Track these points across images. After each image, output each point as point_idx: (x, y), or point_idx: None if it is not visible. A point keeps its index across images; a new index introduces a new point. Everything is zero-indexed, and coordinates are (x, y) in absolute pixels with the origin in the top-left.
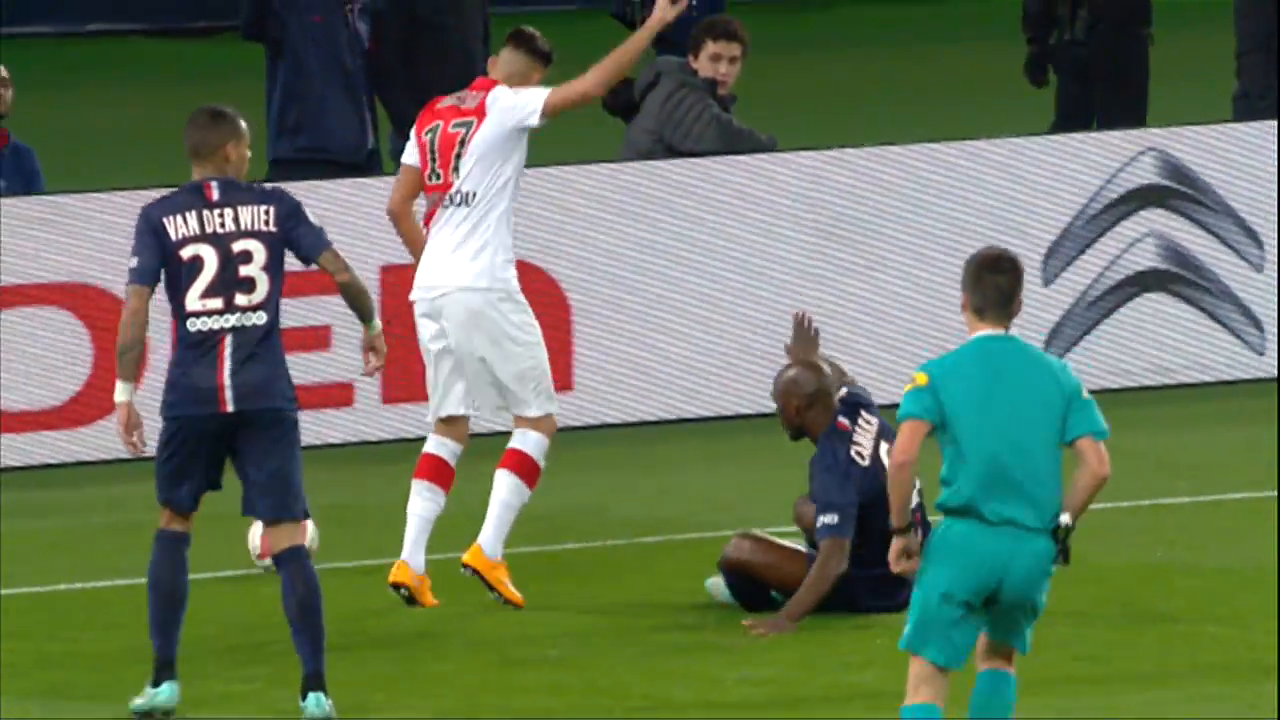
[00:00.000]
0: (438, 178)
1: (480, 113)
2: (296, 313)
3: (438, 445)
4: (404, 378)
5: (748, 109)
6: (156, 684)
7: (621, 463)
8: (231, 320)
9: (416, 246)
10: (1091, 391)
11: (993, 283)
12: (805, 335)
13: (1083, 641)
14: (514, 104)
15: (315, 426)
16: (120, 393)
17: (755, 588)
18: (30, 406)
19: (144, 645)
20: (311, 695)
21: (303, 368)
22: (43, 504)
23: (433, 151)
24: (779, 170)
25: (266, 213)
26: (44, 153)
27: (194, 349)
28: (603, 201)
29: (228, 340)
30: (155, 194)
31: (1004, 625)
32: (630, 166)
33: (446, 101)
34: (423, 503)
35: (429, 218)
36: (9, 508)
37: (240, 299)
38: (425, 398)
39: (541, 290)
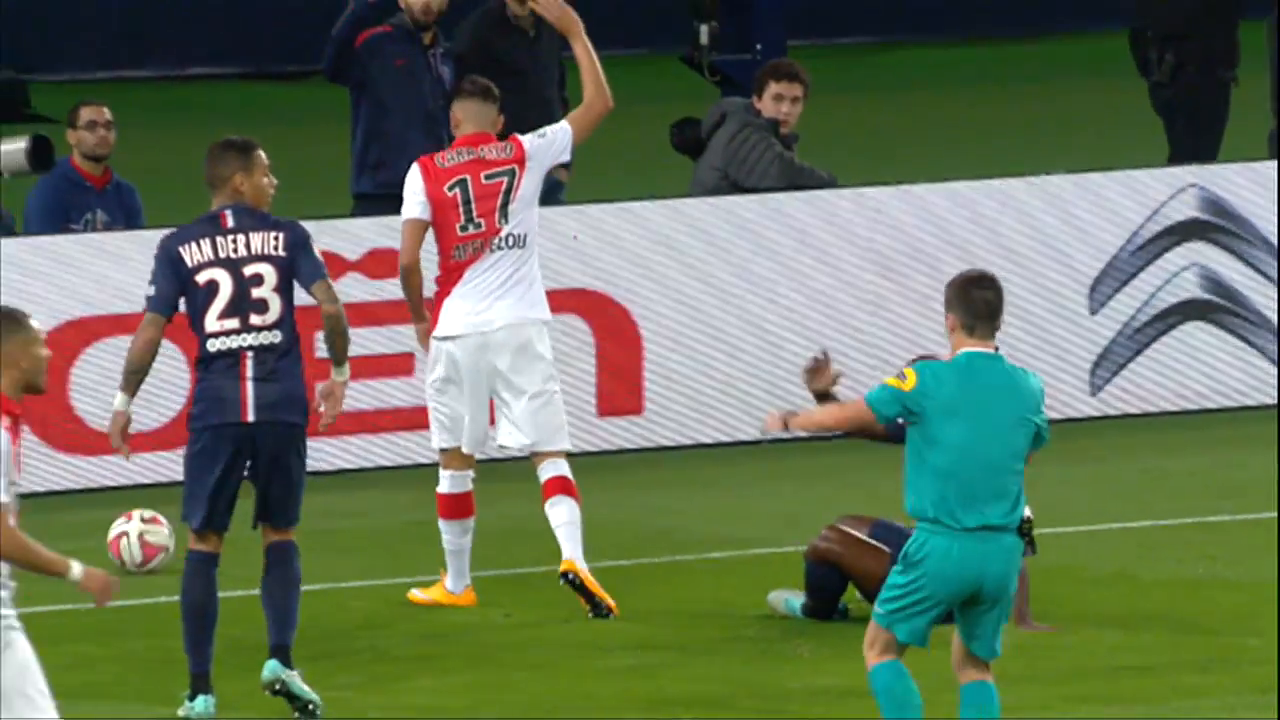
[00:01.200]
0: (477, 226)
1: (520, 162)
2: (378, 341)
3: (465, 480)
4: None
5: (809, 147)
6: (192, 697)
7: (688, 482)
8: (249, 339)
9: (420, 297)
10: (1134, 415)
11: (981, 298)
12: (822, 374)
13: (1128, 651)
14: (550, 146)
15: (396, 448)
16: (119, 403)
17: (835, 581)
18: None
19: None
20: (272, 661)
21: (384, 393)
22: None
23: (468, 203)
24: (839, 205)
25: (276, 239)
26: (144, 190)
27: (216, 366)
28: (672, 235)
29: (249, 357)
30: None
31: (979, 626)
32: (698, 202)
33: (454, 160)
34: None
35: (457, 266)
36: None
37: (255, 319)
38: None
39: (613, 318)
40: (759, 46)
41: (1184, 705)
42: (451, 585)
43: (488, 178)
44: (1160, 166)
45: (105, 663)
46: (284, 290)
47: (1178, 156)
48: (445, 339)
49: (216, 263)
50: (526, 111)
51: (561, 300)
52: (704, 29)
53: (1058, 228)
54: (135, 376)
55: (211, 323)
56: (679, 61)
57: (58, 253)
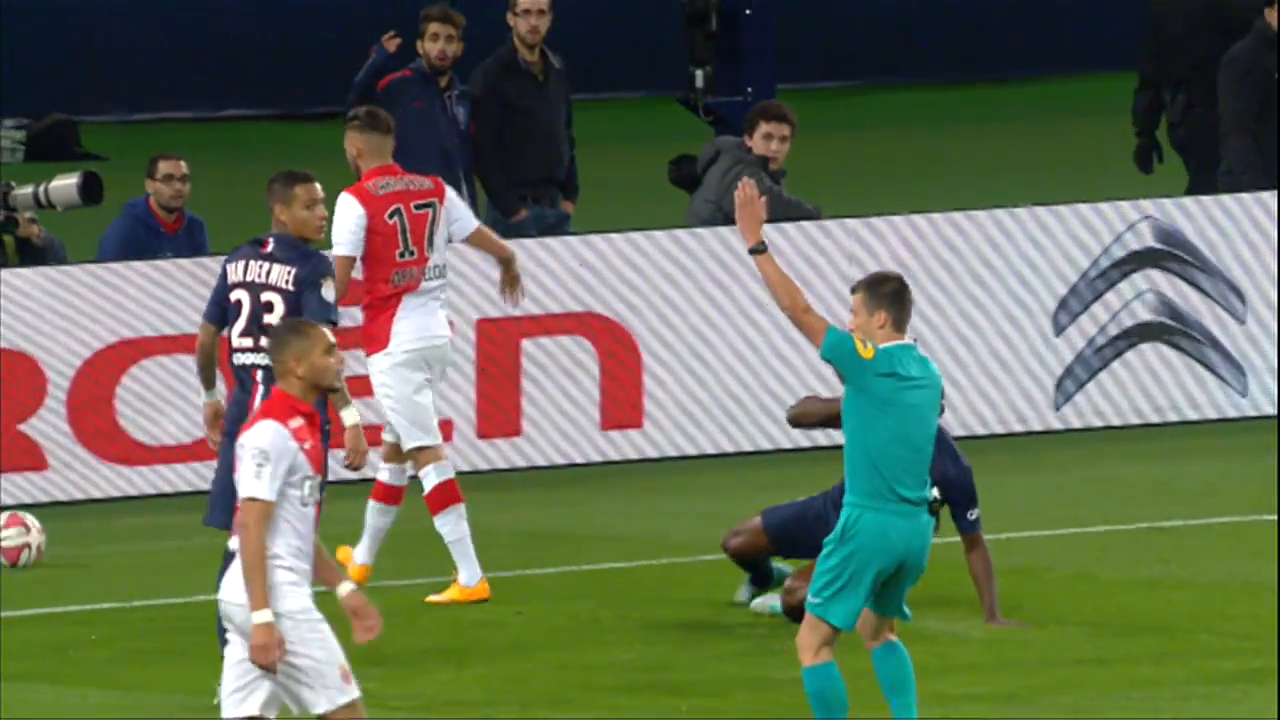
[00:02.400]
0: (412, 254)
1: (440, 197)
2: None
3: (449, 469)
4: (497, 414)
5: (795, 182)
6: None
7: (684, 490)
8: (260, 359)
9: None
10: (1095, 428)
11: (906, 299)
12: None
13: (1088, 645)
14: (457, 212)
15: None
16: (203, 396)
17: (762, 563)
18: (184, 440)
19: None
20: None
21: None
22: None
23: (404, 232)
24: (823, 236)
25: (289, 273)
26: None
27: (238, 379)
28: (670, 262)
29: (259, 375)
30: None
31: (893, 597)
32: (694, 232)
33: (386, 188)
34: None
35: (395, 291)
36: (151, 529)
37: (265, 342)
38: (515, 433)
39: (615, 339)
40: (750, 89)
41: (1140, 695)
42: (465, 579)
43: (417, 207)
44: (1119, 199)
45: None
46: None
47: (1196, 188)
48: (403, 348)
49: (244, 284)
50: (537, 149)
51: (568, 323)
52: (699, 73)
53: (1025, 256)
54: (201, 374)
55: (235, 339)
56: (676, 103)
57: (103, 278)
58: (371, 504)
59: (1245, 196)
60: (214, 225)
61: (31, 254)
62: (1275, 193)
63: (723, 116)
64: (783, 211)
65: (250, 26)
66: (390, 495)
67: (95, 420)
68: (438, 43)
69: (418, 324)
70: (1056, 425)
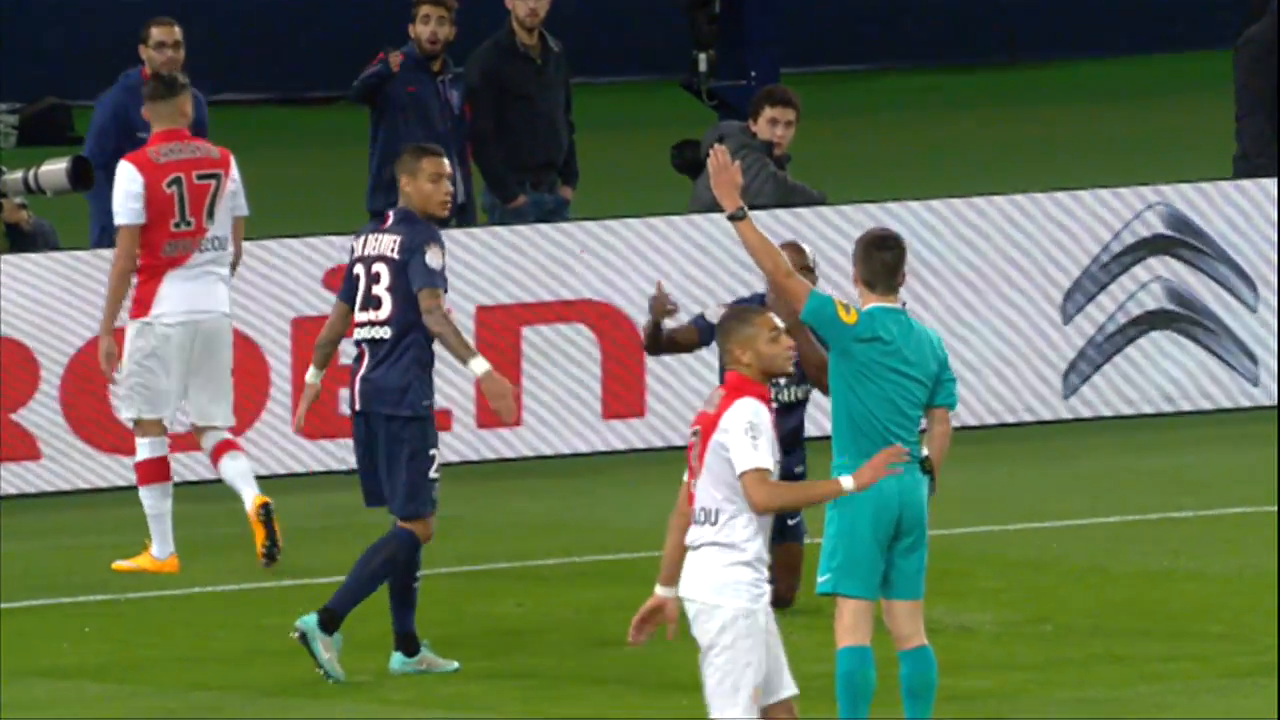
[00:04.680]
0: (189, 225)
1: (225, 169)
2: None
3: (164, 445)
4: None
5: (801, 167)
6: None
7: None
8: (370, 333)
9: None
10: (1104, 417)
11: (880, 259)
12: (661, 305)
13: (1099, 638)
14: (238, 189)
15: None
16: (308, 375)
17: None
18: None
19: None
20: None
21: None
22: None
23: (182, 202)
24: (828, 222)
25: (395, 241)
26: None
27: (356, 355)
28: (674, 248)
29: (367, 350)
30: (279, 244)
31: (905, 563)
32: (698, 218)
33: (168, 156)
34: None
35: (168, 260)
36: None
37: (373, 314)
38: (515, 422)
39: (617, 327)
40: (753, 74)
41: (1150, 689)
42: (157, 552)
43: (200, 178)
44: (1128, 186)
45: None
46: (396, 290)
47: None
48: (163, 320)
49: (361, 259)
50: (536, 134)
51: (569, 310)
52: (703, 57)
53: (1033, 243)
54: (316, 350)
55: (358, 314)
56: (679, 88)
57: (96, 264)
58: (145, 490)
59: (1257, 183)
60: None
61: (20, 239)
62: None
63: (726, 101)
64: (788, 197)
65: (248, 10)
66: (156, 473)
67: (89, 409)
68: (429, 25)
69: (185, 296)
70: (1065, 414)
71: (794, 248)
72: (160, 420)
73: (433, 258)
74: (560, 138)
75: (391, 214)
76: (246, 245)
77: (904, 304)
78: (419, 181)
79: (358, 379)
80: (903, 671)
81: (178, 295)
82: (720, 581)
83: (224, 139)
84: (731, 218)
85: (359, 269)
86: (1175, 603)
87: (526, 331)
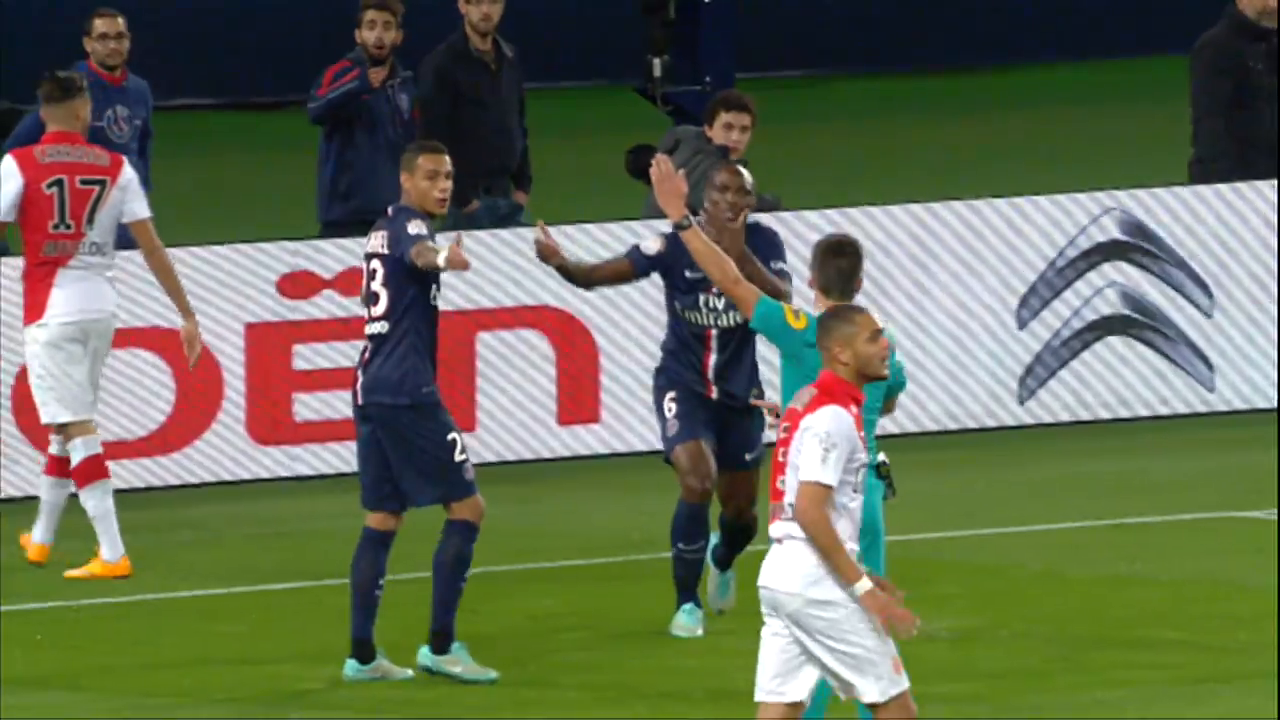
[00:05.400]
0: (68, 227)
1: (114, 176)
2: (351, 354)
3: (96, 444)
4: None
5: (756, 173)
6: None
7: (643, 486)
8: (372, 328)
9: None
10: (1060, 423)
11: (835, 265)
12: (543, 249)
13: (1056, 644)
14: (128, 197)
15: None
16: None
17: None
18: (113, 438)
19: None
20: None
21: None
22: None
23: (62, 204)
24: (785, 226)
25: (383, 237)
26: None
27: (361, 352)
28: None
29: (370, 346)
30: (231, 250)
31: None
32: (653, 224)
33: (53, 157)
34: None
35: (49, 260)
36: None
37: (373, 310)
38: (469, 428)
39: (572, 333)
40: (708, 79)
41: (1108, 695)
42: (108, 555)
43: (83, 182)
44: (1083, 191)
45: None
46: (391, 284)
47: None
48: (58, 320)
49: (366, 256)
50: (489, 138)
51: (523, 316)
52: (657, 62)
53: (988, 248)
54: None
55: (364, 311)
56: (634, 93)
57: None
58: (45, 479)
59: (1213, 187)
60: (165, 215)
61: None
62: (1252, 183)
63: (681, 106)
64: None
65: (201, 15)
66: (96, 472)
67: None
68: (375, 30)
69: (76, 296)
70: (1022, 420)
71: (731, 171)
72: (87, 421)
73: (414, 227)
74: (514, 143)
75: (391, 210)
76: (197, 251)
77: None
78: (416, 179)
79: (359, 374)
80: None
81: (70, 296)
82: (812, 574)
83: (175, 144)
84: (677, 227)
85: (364, 265)
86: (1132, 608)
87: (481, 337)
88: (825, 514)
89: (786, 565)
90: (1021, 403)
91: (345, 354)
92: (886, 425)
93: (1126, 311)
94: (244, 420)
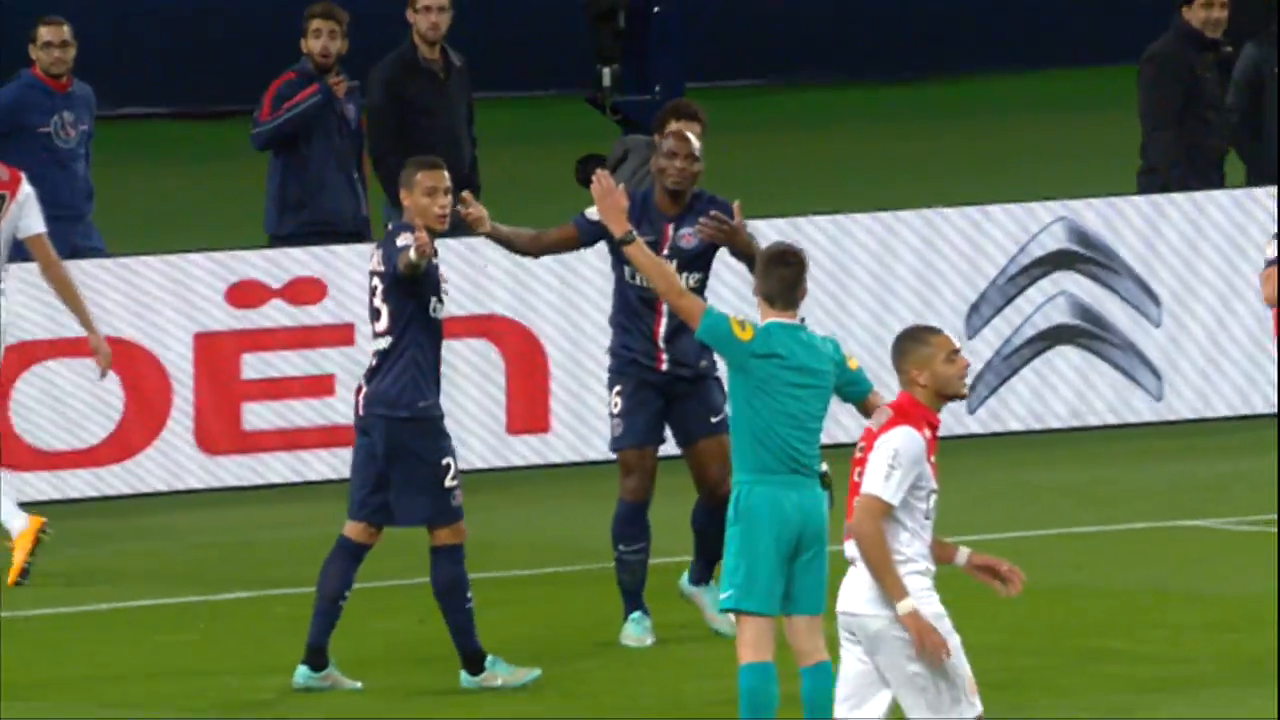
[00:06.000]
0: None
1: (12, 192)
2: (300, 363)
3: None
4: None
5: (706, 182)
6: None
7: (592, 495)
8: (376, 344)
9: None
10: (1009, 432)
11: (779, 275)
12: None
13: (1003, 654)
14: (33, 209)
15: (318, 464)
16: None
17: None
18: (65, 447)
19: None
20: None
21: (305, 412)
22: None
23: None
24: None
25: (380, 254)
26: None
27: (368, 368)
28: (578, 263)
29: (374, 360)
30: (180, 259)
31: (806, 577)
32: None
33: None
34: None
35: None
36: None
37: (375, 326)
38: None
39: (521, 342)
40: (658, 88)
41: (1054, 704)
42: (18, 525)
43: None
44: (1033, 201)
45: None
46: (389, 300)
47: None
48: None
49: (370, 273)
50: (438, 148)
51: (474, 325)
52: (606, 71)
53: (938, 257)
54: None
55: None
56: (583, 102)
57: None
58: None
59: (1167, 197)
60: (113, 224)
61: None
62: (1202, 193)
63: (631, 115)
64: None
65: (148, 24)
66: None
67: None
68: (320, 39)
69: None
70: (971, 429)
71: (680, 136)
72: None
73: (402, 239)
74: (463, 152)
75: (391, 227)
76: (146, 260)
77: (803, 319)
78: (415, 195)
79: (363, 386)
80: (804, 687)
81: None
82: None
83: (123, 153)
84: (620, 242)
85: (368, 284)
86: (1079, 619)
87: None
88: (879, 528)
89: (862, 586)
90: (971, 412)
91: (294, 363)
92: (835, 434)
93: (1076, 321)
94: (193, 430)
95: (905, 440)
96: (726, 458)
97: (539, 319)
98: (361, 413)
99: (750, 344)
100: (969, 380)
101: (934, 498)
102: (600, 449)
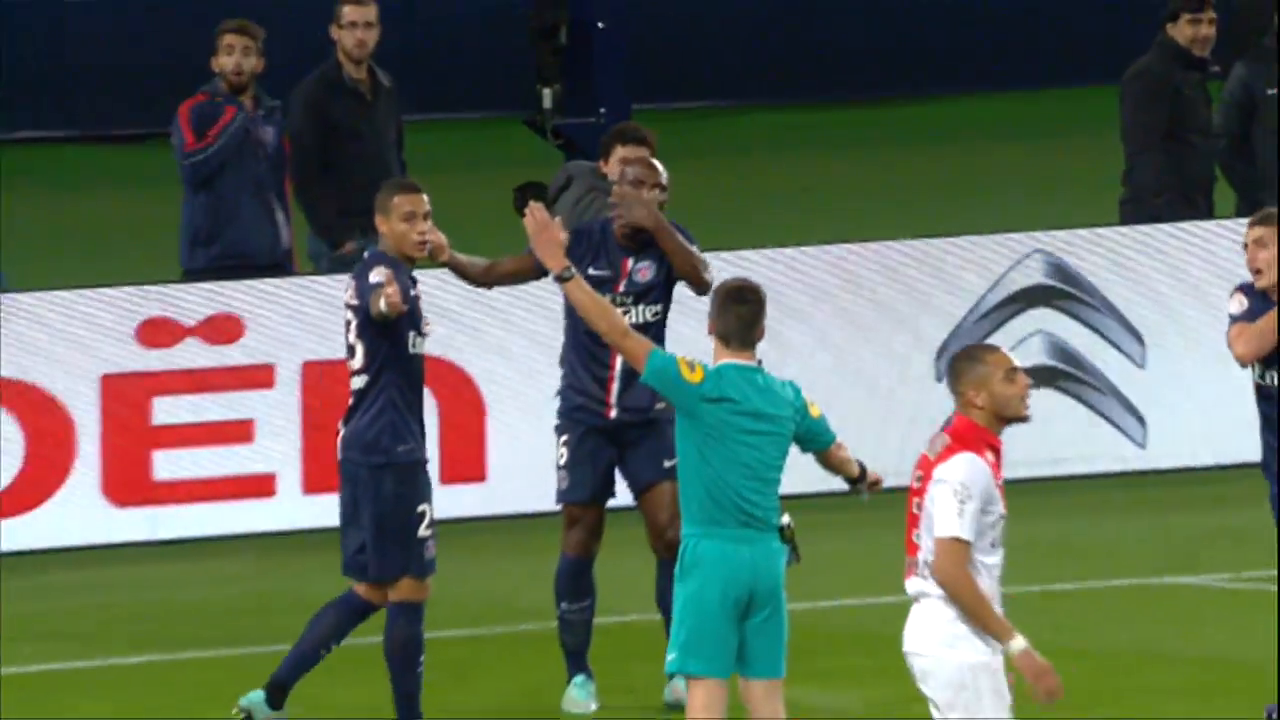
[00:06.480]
0: None
1: None
2: (216, 407)
3: None
4: (326, 466)
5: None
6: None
7: (532, 549)
8: (353, 383)
9: None
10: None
11: (735, 313)
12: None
13: None
14: None
15: (236, 516)
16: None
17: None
18: None
19: None
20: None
21: (223, 460)
22: None
23: None
24: None
25: (353, 286)
26: None
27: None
28: (516, 300)
29: (351, 400)
30: (85, 294)
31: (761, 639)
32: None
33: None
34: None
35: None
36: None
37: (351, 363)
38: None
39: (456, 385)
40: (603, 110)
41: None
42: None
43: None
44: (1006, 232)
45: None
46: (364, 335)
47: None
48: None
49: (345, 305)
50: (365, 173)
51: None
52: (547, 92)
53: (906, 293)
54: None
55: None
56: (522, 125)
57: None
58: None
59: (1153, 226)
60: (14, 255)
61: None
62: (1196, 221)
63: (573, 139)
64: None
65: (56, 43)
66: None
67: None
68: (233, 56)
69: None
70: None
71: (646, 164)
72: None
73: (375, 274)
74: (390, 176)
75: (368, 255)
76: (50, 295)
77: (759, 361)
78: (392, 221)
79: (340, 430)
80: None
81: None
82: (951, 634)
83: (27, 179)
84: (558, 279)
85: (343, 317)
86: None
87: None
88: (965, 570)
89: (924, 625)
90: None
91: (208, 408)
92: (794, 484)
93: (1053, 362)
94: (99, 479)
95: (969, 469)
96: (675, 509)
97: (475, 360)
98: (339, 457)
99: (700, 387)
100: (940, 421)
101: (1003, 523)
102: (541, 499)
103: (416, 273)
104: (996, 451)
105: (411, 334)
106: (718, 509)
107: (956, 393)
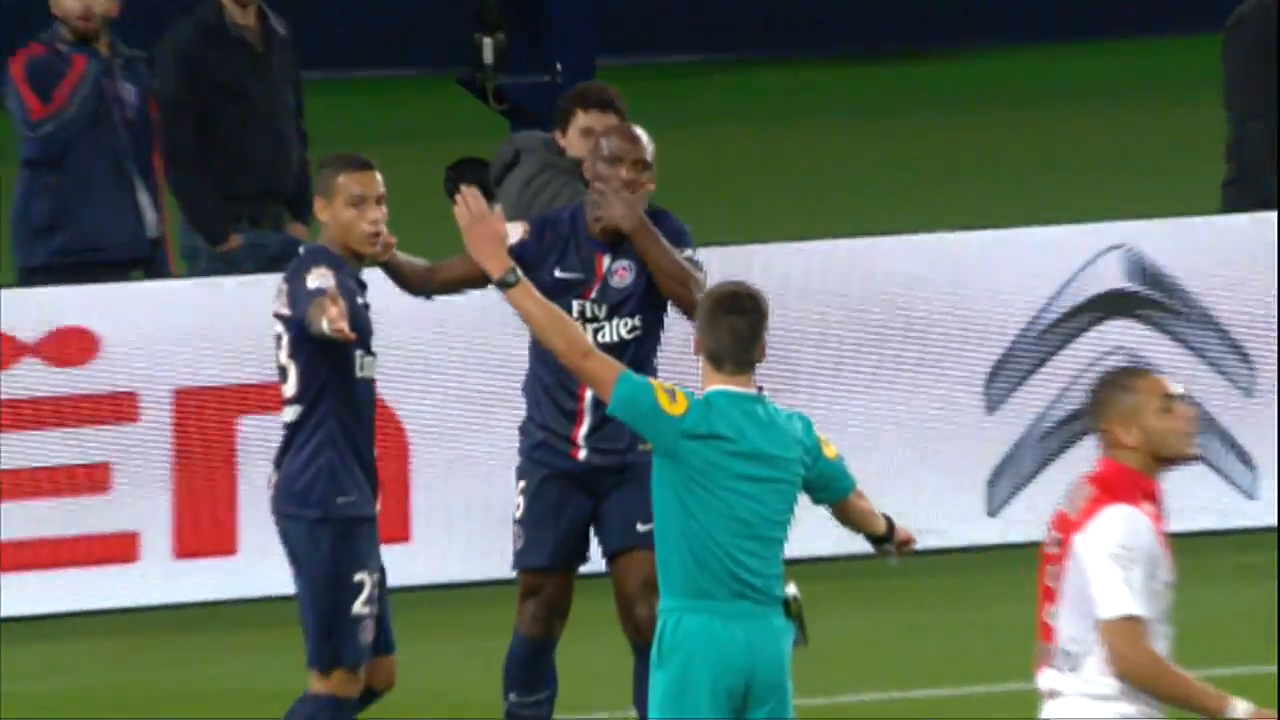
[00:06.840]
0: None
1: None
2: (65, 447)
3: None
4: (203, 526)
5: None
6: None
7: (468, 628)
8: (283, 414)
9: None
10: (1039, 542)
11: (729, 325)
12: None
13: None
14: None
15: (96, 586)
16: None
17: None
18: None
19: None
20: None
21: (77, 516)
22: None
23: None
24: None
25: (280, 290)
26: None
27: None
28: (447, 312)
29: (283, 435)
30: None
31: None
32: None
33: None
34: None
35: None
36: None
37: (283, 388)
38: (229, 551)
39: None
40: (559, 66)
41: None
42: None
43: None
44: (1076, 223)
45: None
46: (298, 355)
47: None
48: None
49: (275, 317)
50: (255, 147)
51: None
52: (488, 43)
53: (944, 301)
54: None
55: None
56: (456, 84)
57: None
58: None
59: (1256, 217)
60: None
61: None
62: None
63: (520, 104)
64: None
65: None
66: None
67: None
68: None
69: None
70: (991, 538)
71: (625, 135)
72: None
73: (314, 278)
74: (288, 153)
75: (302, 251)
76: None
77: (760, 388)
78: (335, 206)
79: (271, 474)
80: None
81: None
82: None
83: None
84: (500, 285)
85: (273, 330)
86: None
87: (243, 422)
88: (1151, 651)
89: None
90: (991, 514)
91: (51, 448)
92: (803, 545)
93: None
94: None
95: (1127, 527)
96: (653, 582)
97: (392, 392)
98: (271, 509)
99: (682, 420)
100: (991, 469)
101: (1168, 591)
102: (482, 566)
103: (366, 273)
104: (1156, 501)
105: (359, 353)
106: (705, 576)
107: (1101, 431)
